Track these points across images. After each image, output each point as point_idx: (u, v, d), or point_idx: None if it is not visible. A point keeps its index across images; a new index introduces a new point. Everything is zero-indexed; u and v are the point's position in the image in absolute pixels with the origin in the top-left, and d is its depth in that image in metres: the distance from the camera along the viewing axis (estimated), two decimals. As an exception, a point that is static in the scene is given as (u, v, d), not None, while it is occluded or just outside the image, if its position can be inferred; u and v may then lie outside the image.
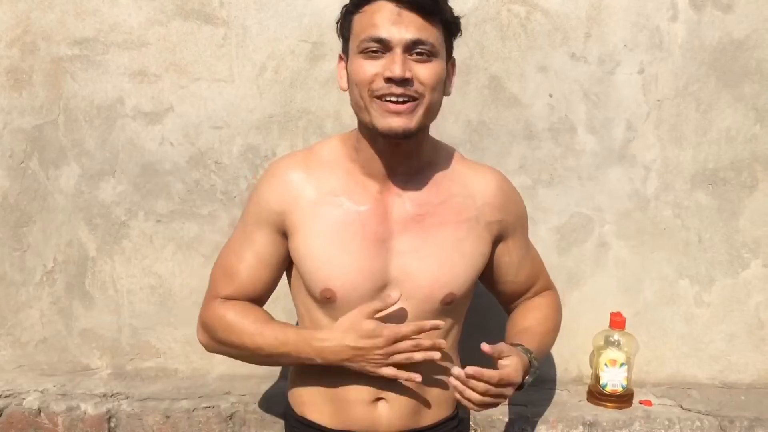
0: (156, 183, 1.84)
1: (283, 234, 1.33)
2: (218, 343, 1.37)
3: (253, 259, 1.35)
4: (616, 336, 1.76)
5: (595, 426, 1.73)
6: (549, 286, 1.55)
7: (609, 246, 1.86)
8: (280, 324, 1.34)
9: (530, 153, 1.81)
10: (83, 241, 1.87)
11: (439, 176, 1.33)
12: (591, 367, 1.85)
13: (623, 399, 1.77)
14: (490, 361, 1.26)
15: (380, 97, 1.19)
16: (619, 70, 1.78)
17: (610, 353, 1.75)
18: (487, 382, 1.20)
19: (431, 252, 1.29)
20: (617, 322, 1.76)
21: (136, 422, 1.76)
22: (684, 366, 1.91)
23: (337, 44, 1.76)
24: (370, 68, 1.19)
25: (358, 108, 1.25)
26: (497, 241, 1.39)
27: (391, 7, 1.18)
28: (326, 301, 1.29)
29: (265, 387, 1.85)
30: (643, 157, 1.82)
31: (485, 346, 1.23)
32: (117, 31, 1.77)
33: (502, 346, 1.27)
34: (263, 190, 1.34)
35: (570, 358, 1.92)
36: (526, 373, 1.31)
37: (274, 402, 1.76)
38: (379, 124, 1.20)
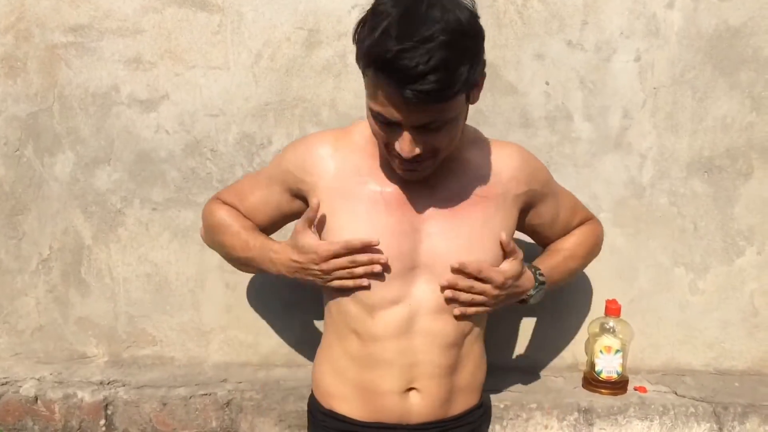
0: (151, 171, 1.84)
1: (297, 197, 1.39)
2: (207, 233, 1.54)
3: (262, 198, 1.44)
4: (611, 323, 1.76)
5: (589, 412, 1.74)
6: (588, 217, 1.60)
7: (605, 233, 1.86)
8: (256, 231, 1.45)
9: (526, 141, 1.81)
10: (79, 229, 1.87)
11: (464, 157, 1.34)
12: (586, 353, 1.85)
13: (618, 386, 1.78)
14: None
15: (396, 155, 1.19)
16: (616, 57, 1.78)
17: (606, 340, 1.76)
18: (468, 275, 1.26)
19: (460, 233, 1.29)
20: (613, 309, 1.76)
21: (133, 409, 1.76)
22: (678, 353, 1.92)
23: (333, 31, 1.76)
24: (383, 132, 1.18)
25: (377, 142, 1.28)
26: (527, 209, 1.43)
27: (397, 94, 1.07)
28: (356, 287, 1.28)
29: (262, 374, 1.86)
30: (639, 144, 1.82)
31: (503, 235, 1.30)
32: (111, 18, 1.76)
33: (515, 246, 1.33)
34: (289, 152, 1.40)
35: (565, 345, 1.93)
36: (528, 285, 1.37)
37: (271, 389, 1.77)
38: (396, 169, 1.25)
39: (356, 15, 1.72)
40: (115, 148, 1.82)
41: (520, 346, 1.92)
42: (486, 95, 1.78)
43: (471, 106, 1.78)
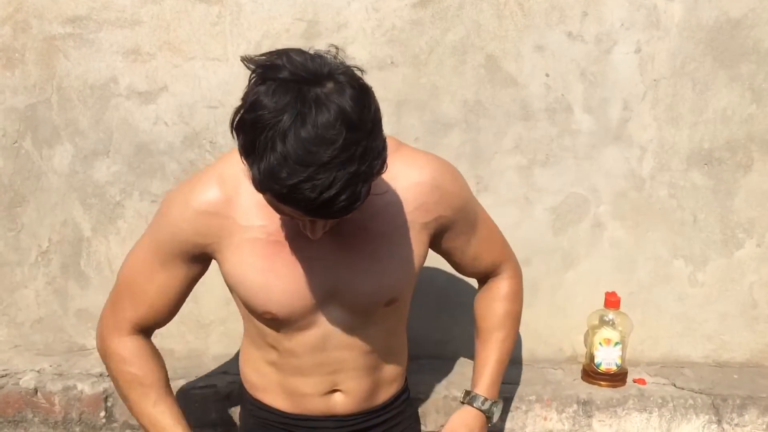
0: (151, 163, 1.83)
1: (203, 259, 1.28)
2: (110, 374, 1.41)
3: (164, 283, 1.30)
4: (610, 315, 1.76)
5: (589, 404, 1.74)
6: (505, 260, 1.48)
7: (604, 226, 1.86)
8: (167, 412, 1.36)
9: (526, 133, 1.81)
10: (78, 222, 1.86)
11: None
12: (585, 346, 1.86)
13: (617, 378, 1.79)
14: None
15: None
16: (616, 49, 1.77)
17: (605, 332, 1.76)
18: None
19: (368, 265, 1.24)
20: (612, 301, 1.77)
21: (133, 401, 1.76)
22: (678, 345, 1.93)
23: (332, 23, 1.76)
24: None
25: None
26: (439, 234, 1.32)
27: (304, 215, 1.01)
28: (269, 319, 1.28)
29: (261, 366, 1.86)
30: (639, 137, 1.82)
31: None
32: (110, 9, 1.75)
33: None
34: (179, 222, 1.23)
35: (564, 337, 1.93)
36: (487, 417, 1.46)
37: (271, 381, 1.77)
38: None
39: (355, 7, 1.73)
40: (114, 140, 1.82)
41: (519, 339, 1.92)
42: (486, 87, 1.78)
43: (470, 98, 1.79)
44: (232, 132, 1.00)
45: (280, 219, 1.18)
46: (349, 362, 1.31)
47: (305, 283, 1.23)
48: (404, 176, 1.23)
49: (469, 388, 1.48)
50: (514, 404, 1.74)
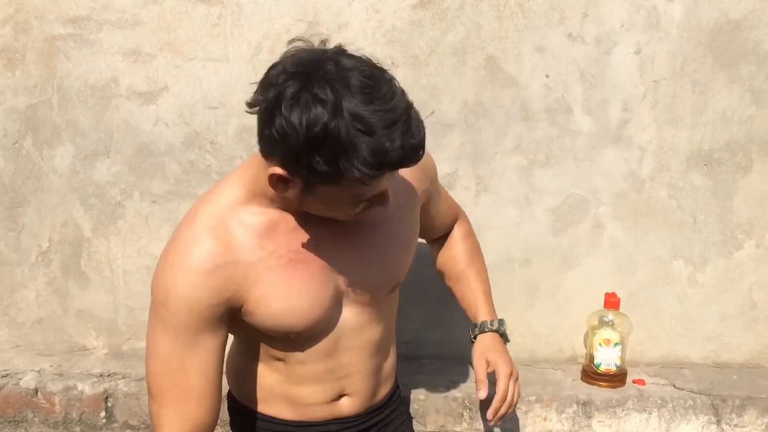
0: (151, 163, 1.83)
1: (228, 318, 1.15)
2: None
3: (201, 367, 1.14)
4: (610, 316, 1.77)
5: (588, 405, 1.75)
6: (458, 211, 1.55)
7: (604, 227, 1.87)
8: None
9: (526, 134, 1.81)
10: (78, 222, 1.87)
11: None
12: (585, 346, 1.86)
13: (617, 378, 1.79)
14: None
15: None
16: (616, 50, 1.78)
17: (605, 333, 1.76)
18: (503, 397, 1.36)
19: (372, 255, 1.23)
20: (612, 302, 1.77)
21: (134, 402, 1.77)
22: (677, 346, 1.93)
23: (333, 23, 1.76)
24: (353, 209, 1.08)
25: (313, 212, 1.12)
26: (423, 207, 1.34)
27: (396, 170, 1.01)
28: (290, 339, 1.22)
29: (261, 367, 1.86)
30: (638, 138, 1.82)
31: (481, 394, 1.38)
32: (111, 10, 1.75)
33: (483, 379, 1.39)
34: (191, 293, 1.09)
35: (564, 338, 1.93)
36: (501, 335, 1.47)
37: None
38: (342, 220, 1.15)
39: (356, 8, 1.73)
40: (115, 141, 1.82)
41: (519, 339, 1.92)
42: (486, 87, 1.79)
43: (470, 98, 1.79)
44: (304, 164, 0.95)
45: (283, 239, 1.14)
46: (357, 364, 1.30)
47: (321, 294, 1.20)
48: None
49: (471, 330, 1.48)
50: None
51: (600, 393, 1.77)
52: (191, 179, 1.83)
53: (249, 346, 1.28)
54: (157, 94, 1.80)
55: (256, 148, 1.81)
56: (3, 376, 1.81)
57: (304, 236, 1.15)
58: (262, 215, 1.13)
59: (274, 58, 1.75)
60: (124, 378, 1.81)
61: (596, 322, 1.78)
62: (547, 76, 1.79)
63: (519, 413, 1.75)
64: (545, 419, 1.76)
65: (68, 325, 1.92)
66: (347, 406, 1.33)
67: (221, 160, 1.82)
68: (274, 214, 1.13)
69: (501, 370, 1.39)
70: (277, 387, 1.29)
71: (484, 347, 1.44)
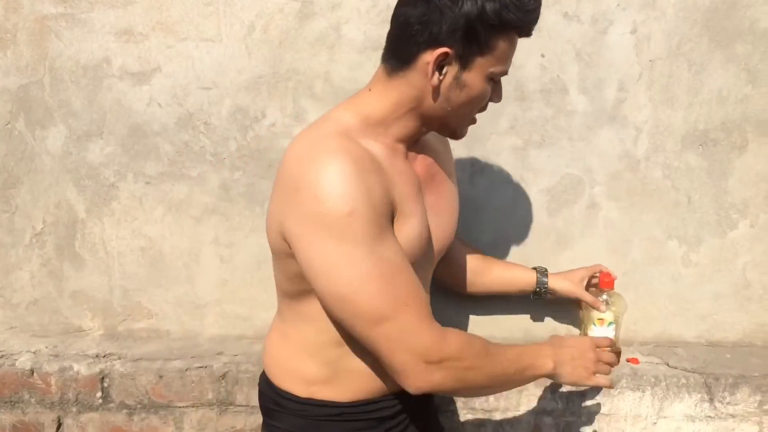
0: (144, 144, 1.82)
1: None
2: (467, 375, 1.15)
3: (406, 266, 1.12)
4: (604, 296, 1.77)
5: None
6: None
7: (599, 207, 1.87)
8: (510, 349, 1.24)
9: (521, 114, 1.80)
10: (72, 203, 1.86)
11: (428, 137, 1.32)
12: (579, 327, 1.87)
13: None
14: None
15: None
16: (612, 29, 1.77)
17: (599, 313, 1.77)
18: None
19: (443, 206, 1.31)
20: (606, 282, 1.77)
21: (129, 382, 1.78)
22: (671, 325, 1.94)
23: (327, 3, 1.74)
24: (486, 94, 1.20)
25: (453, 115, 1.20)
26: None
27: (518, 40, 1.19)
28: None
29: (257, 347, 1.87)
30: (634, 117, 1.82)
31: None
32: (102, -11, 1.73)
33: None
34: (368, 189, 1.07)
35: (558, 318, 1.94)
36: None
37: (266, 362, 1.78)
38: (461, 136, 1.28)
39: (350, -14, 1.71)
40: (108, 122, 1.81)
41: (514, 320, 1.93)
42: (481, 68, 1.77)
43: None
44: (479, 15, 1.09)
45: (402, 164, 1.20)
46: None
47: (427, 225, 1.23)
48: (434, 135, 1.34)
49: (540, 280, 1.68)
50: (508, 384, 1.76)
51: (594, 372, 1.78)
52: (185, 160, 1.83)
53: (321, 318, 1.22)
54: (149, 75, 1.78)
55: (250, 129, 1.81)
56: (-1, 358, 1.82)
57: (412, 170, 1.23)
58: (380, 143, 1.18)
59: (268, 37, 1.76)
60: (120, 358, 1.81)
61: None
62: (543, 55, 1.78)
63: (513, 392, 1.76)
64: (540, 398, 1.77)
65: (63, 306, 1.92)
66: None
67: (215, 140, 1.81)
68: (389, 144, 1.20)
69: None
70: (345, 359, 1.24)
71: (567, 279, 1.67)
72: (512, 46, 1.17)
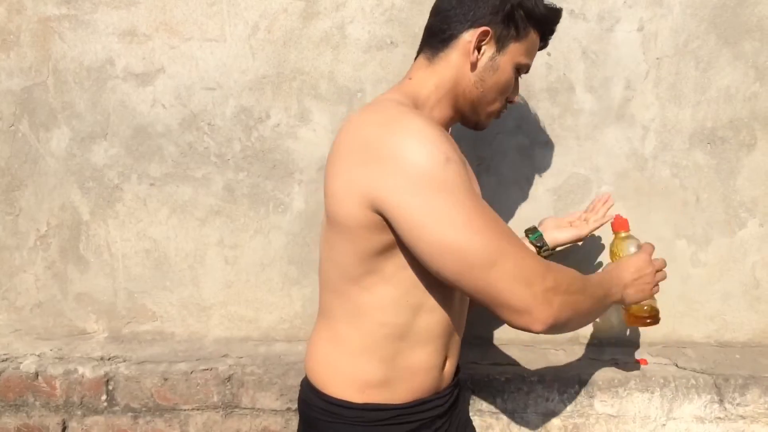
0: (149, 146, 1.82)
1: None
2: (575, 302, 1.14)
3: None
4: (622, 234, 1.61)
5: (590, 384, 1.74)
6: None
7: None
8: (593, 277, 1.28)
9: (528, 113, 1.79)
10: (76, 205, 1.85)
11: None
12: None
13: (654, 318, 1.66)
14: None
15: (500, 110, 1.33)
16: (619, 27, 1.75)
17: (631, 245, 1.60)
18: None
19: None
20: (621, 223, 1.60)
21: (134, 385, 1.77)
22: (680, 325, 1.92)
23: (331, 2, 1.73)
24: (510, 86, 1.29)
25: (481, 99, 1.28)
26: None
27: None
28: None
29: (262, 349, 1.85)
30: (641, 116, 1.80)
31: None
32: (105, -10, 1.73)
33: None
34: (450, 144, 1.11)
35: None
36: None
37: (272, 364, 1.77)
38: (483, 125, 1.35)
39: (354, -15, 1.70)
40: (111, 123, 1.80)
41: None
42: (487, 67, 1.76)
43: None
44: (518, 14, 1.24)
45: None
46: (459, 320, 1.29)
47: None
48: None
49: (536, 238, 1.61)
50: (515, 385, 1.74)
51: (602, 373, 1.76)
52: (189, 161, 1.82)
53: (395, 305, 1.20)
54: (153, 76, 1.78)
55: (254, 130, 1.80)
56: (3, 360, 1.80)
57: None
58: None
59: (272, 37, 1.75)
60: (124, 361, 1.80)
61: (618, 241, 1.57)
62: (549, 54, 1.76)
63: (521, 393, 1.75)
64: (547, 399, 1.75)
65: (68, 308, 1.91)
66: (447, 371, 1.29)
67: (219, 141, 1.80)
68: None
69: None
70: (403, 354, 1.22)
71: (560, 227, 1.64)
72: (536, 45, 1.30)
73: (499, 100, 1.31)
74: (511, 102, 1.35)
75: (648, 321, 1.53)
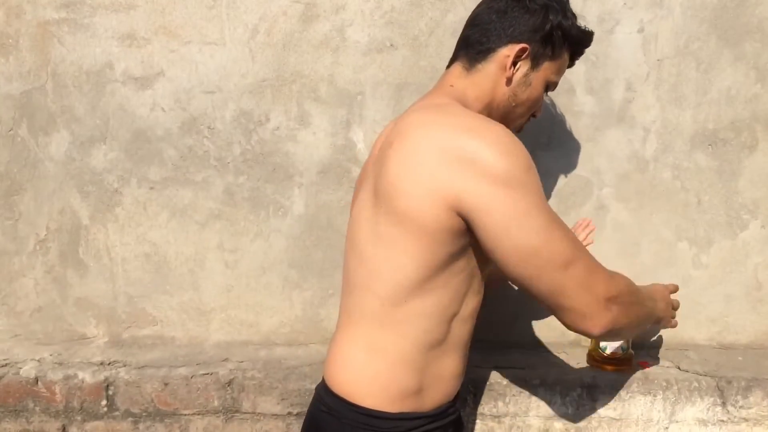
0: (148, 149, 1.81)
1: None
2: (632, 311, 1.22)
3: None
4: None
5: (593, 388, 1.73)
6: None
7: (607, 209, 1.85)
8: (648, 288, 1.42)
9: (528, 115, 1.79)
10: (76, 209, 1.85)
11: None
12: None
13: (623, 362, 1.77)
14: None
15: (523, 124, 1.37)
16: (619, 29, 1.75)
17: None
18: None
19: None
20: None
21: (135, 390, 1.76)
22: (682, 328, 1.91)
23: (330, 5, 1.73)
24: (541, 101, 1.34)
25: (509, 111, 1.33)
26: None
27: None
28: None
29: (263, 353, 1.85)
30: (642, 118, 1.80)
31: None
32: (104, -7, 1.72)
33: None
34: (527, 154, 1.14)
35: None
36: None
37: (273, 368, 1.76)
38: (515, 131, 1.32)
39: (354, -12, 1.70)
40: (111, 127, 1.80)
41: (523, 323, 1.91)
42: (487, 69, 1.76)
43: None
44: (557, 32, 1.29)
45: None
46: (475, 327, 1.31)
47: None
48: None
49: None
50: (517, 388, 1.73)
51: (604, 376, 1.75)
52: (189, 165, 1.81)
53: (443, 309, 1.21)
54: (152, 79, 1.77)
55: (254, 133, 1.80)
56: (3, 366, 1.80)
57: None
58: None
59: (271, 41, 1.74)
60: (125, 366, 1.80)
61: None
62: (549, 56, 1.76)
63: (523, 396, 1.74)
64: (549, 403, 1.75)
65: (67, 313, 1.91)
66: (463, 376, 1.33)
67: (219, 145, 1.80)
68: None
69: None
70: (438, 361, 1.23)
71: None
72: (566, 63, 1.36)
73: (526, 115, 1.36)
74: (534, 117, 1.39)
75: (617, 364, 1.76)
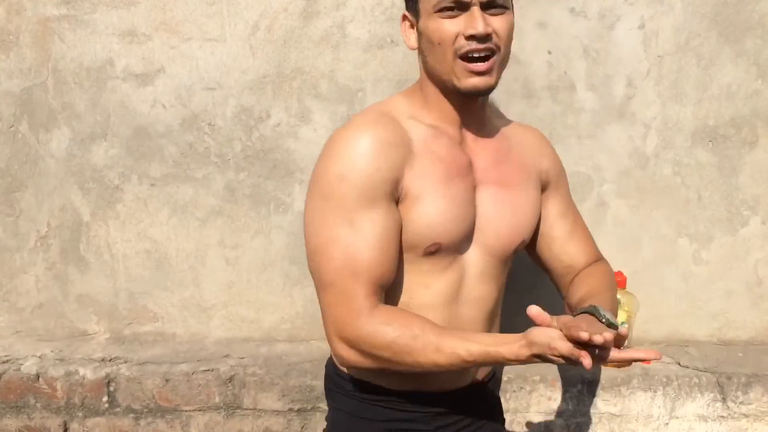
0: (149, 146, 1.81)
1: (395, 199, 1.20)
2: (376, 361, 1.16)
3: (377, 242, 1.15)
4: (617, 295, 1.74)
5: (593, 384, 1.74)
6: (598, 256, 1.45)
7: (608, 205, 1.85)
8: (453, 335, 1.17)
9: (529, 111, 1.78)
10: (77, 206, 1.85)
11: (498, 126, 1.36)
12: None
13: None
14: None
15: (463, 57, 1.18)
16: (620, 25, 1.75)
17: None
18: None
19: (508, 200, 1.30)
20: (618, 281, 1.74)
21: (136, 386, 1.76)
22: (682, 324, 1.92)
23: (331, 1, 1.73)
24: (451, 27, 1.18)
25: (439, 67, 1.22)
26: (542, 190, 1.40)
27: None
28: (427, 254, 1.22)
29: (264, 350, 1.85)
30: (643, 114, 1.80)
31: (532, 309, 1.19)
32: (104, -10, 1.72)
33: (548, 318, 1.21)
34: (371, 161, 1.15)
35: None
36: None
37: (274, 364, 1.76)
38: (463, 85, 1.21)
39: (355, -16, 1.70)
40: (112, 124, 1.80)
41: (524, 319, 1.90)
42: (487, 65, 1.75)
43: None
44: None
45: (444, 148, 1.24)
46: (472, 322, 1.28)
47: (465, 211, 1.25)
48: (519, 129, 1.40)
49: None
50: (518, 384, 1.74)
51: (605, 372, 1.76)
52: (190, 162, 1.81)
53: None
54: (153, 76, 1.77)
55: (255, 130, 1.80)
56: (4, 362, 1.80)
57: (460, 155, 1.26)
58: (424, 125, 1.25)
59: (272, 37, 1.74)
60: (126, 362, 1.80)
61: None
62: (550, 52, 1.76)
63: (524, 393, 1.74)
64: (550, 399, 1.75)
65: (68, 310, 1.91)
66: (455, 373, 1.26)
67: (219, 141, 1.80)
68: (435, 125, 1.26)
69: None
70: None
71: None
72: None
73: (447, 53, 1.20)
74: (473, 37, 1.18)
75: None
